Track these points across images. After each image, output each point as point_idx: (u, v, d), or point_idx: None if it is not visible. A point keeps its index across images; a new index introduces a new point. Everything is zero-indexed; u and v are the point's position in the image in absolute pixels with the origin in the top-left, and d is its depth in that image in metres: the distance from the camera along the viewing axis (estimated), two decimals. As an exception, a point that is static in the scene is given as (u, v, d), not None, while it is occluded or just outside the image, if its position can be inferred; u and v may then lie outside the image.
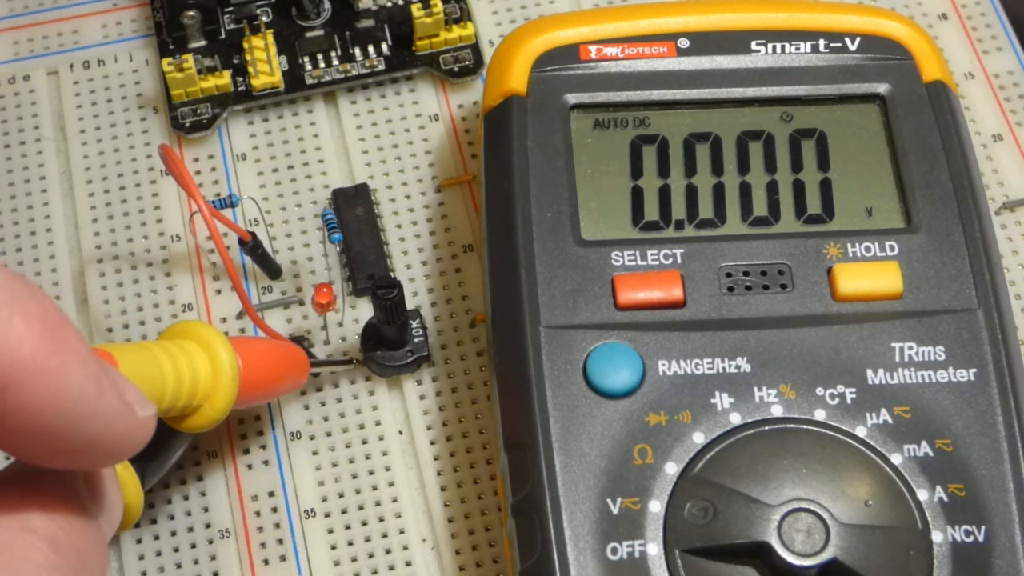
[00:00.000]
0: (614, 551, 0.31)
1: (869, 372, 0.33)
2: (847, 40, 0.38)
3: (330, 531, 0.37)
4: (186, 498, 0.37)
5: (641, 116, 0.38)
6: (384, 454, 0.38)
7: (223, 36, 0.44)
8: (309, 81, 0.43)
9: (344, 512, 0.37)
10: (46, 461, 0.24)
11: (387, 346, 0.38)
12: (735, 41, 0.38)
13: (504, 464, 0.33)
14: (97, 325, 0.40)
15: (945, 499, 0.32)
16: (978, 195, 0.36)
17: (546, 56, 0.38)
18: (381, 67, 0.43)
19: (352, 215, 0.41)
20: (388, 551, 0.36)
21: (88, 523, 0.26)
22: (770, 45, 0.38)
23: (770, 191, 0.37)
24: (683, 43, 0.38)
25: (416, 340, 0.38)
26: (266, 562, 0.36)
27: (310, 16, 0.44)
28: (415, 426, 0.38)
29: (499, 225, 0.36)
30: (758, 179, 0.37)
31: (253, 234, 0.38)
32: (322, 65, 0.43)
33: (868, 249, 0.35)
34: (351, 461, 0.38)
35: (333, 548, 0.37)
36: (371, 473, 0.37)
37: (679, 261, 0.35)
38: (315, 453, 0.38)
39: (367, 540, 0.37)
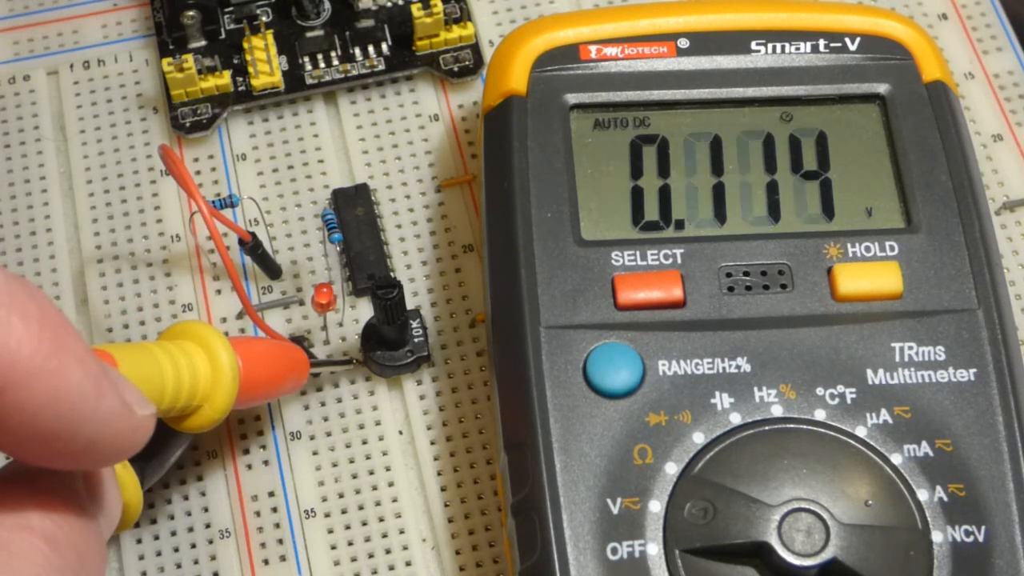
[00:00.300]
0: (614, 551, 0.31)
1: (869, 372, 0.33)
2: (847, 40, 0.38)
3: (330, 531, 0.37)
4: (186, 498, 0.37)
5: (641, 116, 0.38)
6: (384, 454, 0.38)
7: (223, 36, 0.44)
8: (309, 81, 0.43)
9: (344, 512, 0.37)
10: (46, 462, 0.24)
11: (387, 346, 0.38)
12: (735, 41, 0.38)
13: (504, 464, 0.33)
14: (97, 325, 0.40)
15: (945, 499, 0.32)
16: (978, 195, 0.36)
17: (546, 56, 0.38)
18: (381, 67, 0.43)
19: (352, 215, 0.41)
20: (388, 551, 0.36)
21: (87, 522, 0.26)
22: (770, 45, 0.38)
23: (770, 191, 0.37)
24: (683, 43, 0.38)
25: (416, 340, 0.38)
26: (266, 562, 0.36)
27: (310, 16, 0.44)
28: (415, 426, 0.38)
29: (499, 225, 0.36)
30: (758, 179, 0.37)
31: (253, 234, 0.38)
32: (322, 65, 0.43)
33: (868, 249, 0.35)
34: (351, 461, 0.38)
35: (333, 548, 0.37)
36: (371, 473, 0.37)
37: (679, 261, 0.35)
38: (315, 453, 0.38)
39: (367, 540, 0.37)
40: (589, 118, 0.38)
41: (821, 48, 0.38)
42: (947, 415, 0.33)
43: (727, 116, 0.38)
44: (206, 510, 0.37)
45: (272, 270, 0.40)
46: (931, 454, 0.32)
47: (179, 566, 0.36)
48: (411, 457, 0.38)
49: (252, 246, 0.38)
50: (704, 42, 0.38)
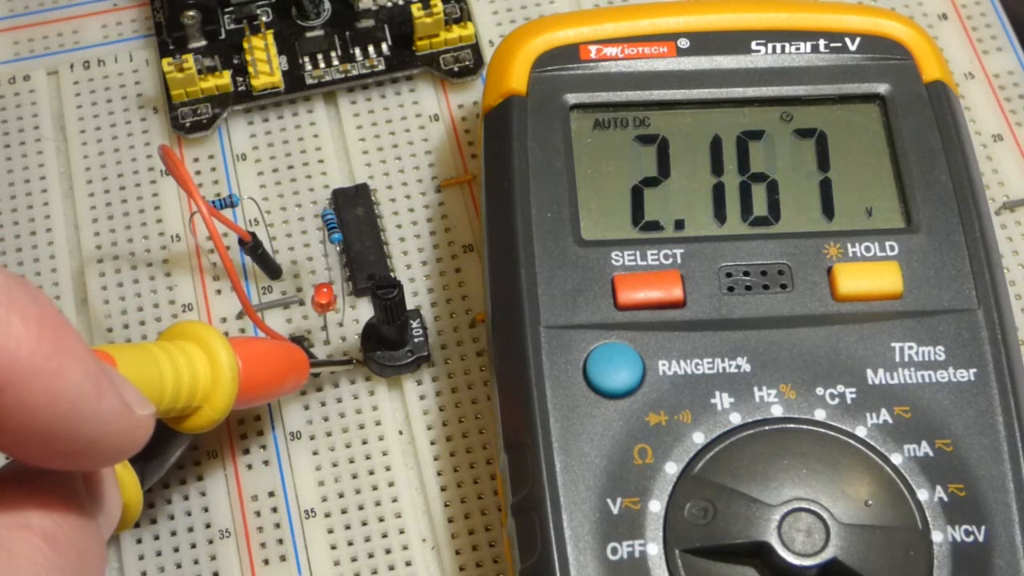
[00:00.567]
0: (614, 551, 0.31)
1: (869, 372, 0.33)
2: (847, 40, 0.38)
3: (330, 531, 0.37)
4: (186, 498, 0.37)
5: (641, 116, 0.38)
6: (384, 454, 0.38)
7: (223, 36, 0.44)
8: (309, 81, 0.43)
9: (344, 512, 0.37)
10: (46, 462, 0.24)
11: (387, 346, 0.38)
12: (735, 41, 0.38)
13: (504, 464, 0.33)
14: (97, 325, 0.40)
15: (945, 499, 0.32)
16: (978, 195, 0.36)
17: (546, 56, 0.38)
18: (381, 67, 0.43)
19: (352, 215, 0.41)
20: (388, 551, 0.36)
21: (86, 522, 0.26)
22: (770, 45, 0.38)
23: (770, 191, 0.37)
24: (683, 43, 0.38)
25: (416, 340, 0.38)
26: (266, 562, 0.36)
27: (310, 16, 0.44)
28: (415, 426, 0.38)
29: (499, 225, 0.36)
30: (758, 179, 0.37)
31: (253, 234, 0.38)
32: (322, 65, 0.43)
33: (868, 249, 0.35)
34: (351, 461, 0.38)
35: (333, 548, 0.37)
36: (371, 473, 0.37)
37: (679, 261, 0.35)
38: (315, 453, 0.38)
39: (367, 540, 0.37)
40: (589, 118, 0.38)
41: (821, 48, 0.38)
42: (947, 415, 0.33)
43: (727, 116, 0.38)
44: (206, 510, 0.37)
45: (272, 270, 0.40)
46: (931, 454, 0.32)
47: (179, 566, 0.36)
48: (411, 457, 0.38)
49: (252, 246, 0.38)
50: (704, 42, 0.38)
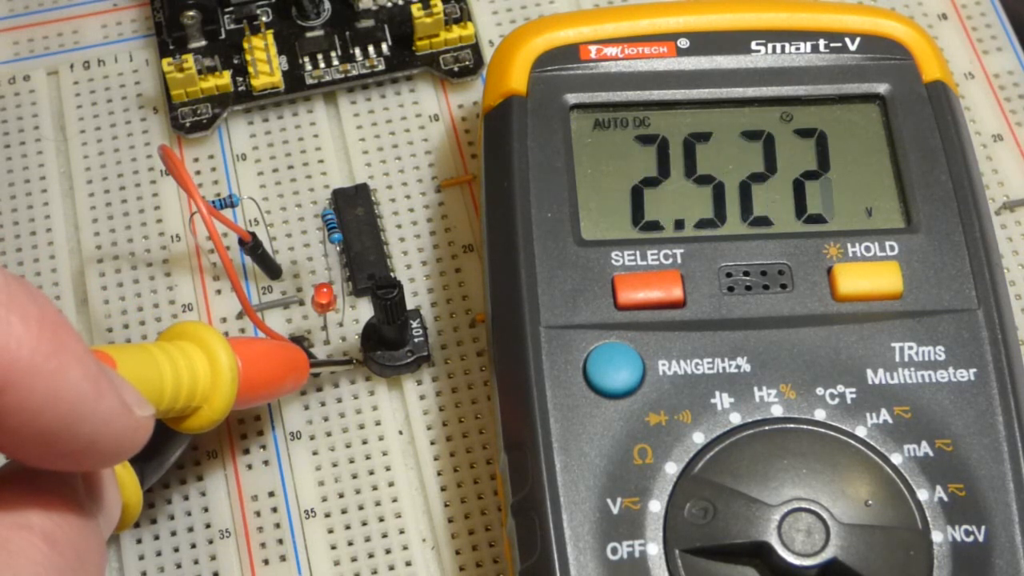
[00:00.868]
0: (614, 551, 0.31)
1: (869, 372, 0.33)
2: (847, 40, 0.38)
3: (330, 531, 0.37)
4: (186, 498, 0.37)
5: (641, 116, 0.38)
6: (384, 454, 0.38)
7: (223, 36, 0.44)
8: (309, 81, 0.43)
9: (344, 512, 0.37)
10: (46, 463, 0.24)
11: (387, 346, 0.38)
12: (735, 41, 0.38)
13: (504, 464, 0.33)
14: (97, 325, 0.40)
15: (945, 499, 0.32)
16: (978, 195, 0.36)
17: (546, 56, 0.38)
18: (381, 67, 0.43)
19: (352, 215, 0.41)
20: (388, 551, 0.36)
21: (86, 521, 0.26)
22: (770, 45, 0.38)
23: (770, 191, 0.37)
24: (683, 43, 0.38)
25: (416, 340, 0.38)
26: (266, 562, 0.36)
27: (310, 16, 0.44)
28: (415, 426, 0.38)
29: (499, 225, 0.36)
30: (758, 179, 0.37)
31: (253, 234, 0.38)
32: (322, 65, 0.43)
33: (868, 249, 0.35)
34: (351, 461, 0.38)
35: (333, 548, 0.37)
36: (371, 473, 0.37)
37: (679, 261, 0.35)
38: (315, 453, 0.38)
39: (367, 540, 0.37)
40: (589, 118, 0.38)
41: (821, 48, 0.38)
42: (947, 415, 0.33)
43: (727, 116, 0.38)
44: (206, 510, 0.37)
45: (272, 270, 0.40)
46: (931, 454, 0.32)
47: (179, 566, 0.36)
48: (411, 457, 0.38)
49: (252, 246, 0.38)
50: (704, 42, 0.38)
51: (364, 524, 0.37)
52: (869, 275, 0.35)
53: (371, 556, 0.36)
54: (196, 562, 0.36)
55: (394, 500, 0.37)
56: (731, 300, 0.34)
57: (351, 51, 0.43)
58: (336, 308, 0.38)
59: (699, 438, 0.32)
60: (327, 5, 0.44)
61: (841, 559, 0.30)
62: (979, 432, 0.33)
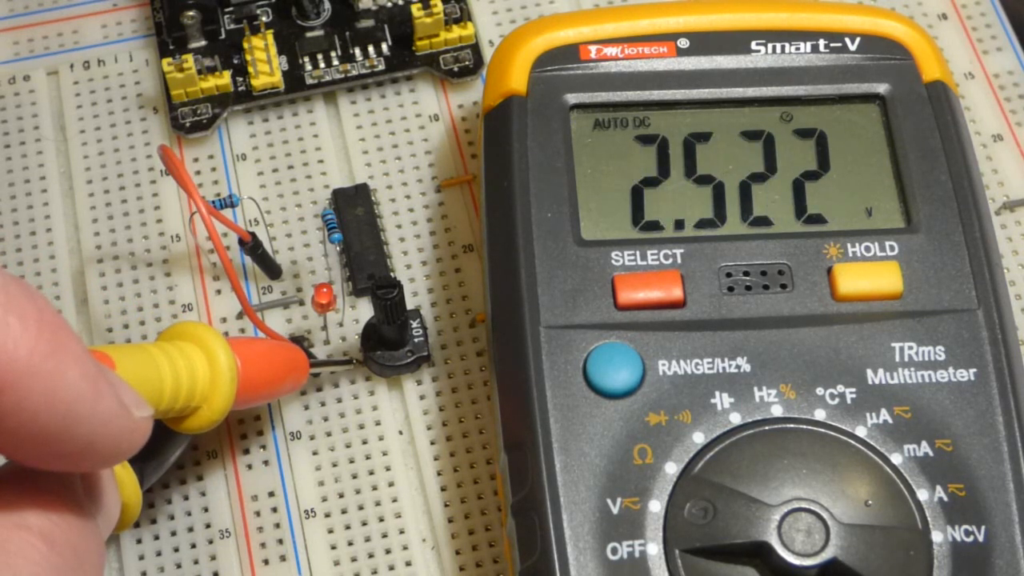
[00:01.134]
0: (614, 551, 0.31)
1: (869, 372, 0.33)
2: (847, 40, 0.38)
3: (330, 531, 0.37)
4: (186, 498, 0.37)
5: (641, 116, 0.38)
6: (384, 454, 0.38)
7: (223, 36, 0.44)
8: (309, 81, 0.43)
9: (344, 512, 0.37)
10: (44, 463, 0.24)
11: (387, 346, 0.38)
12: (735, 41, 0.38)
13: (504, 464, 0.33)
14: (97, 325, 0.40)
15: (945, 499, 0.32)
16: (978, 195, 0.36)
17: (546, 56, 0.38)
18: (381, 67, 0.43)
19: (352, 215, 0.41)
20: (388, 551, 0.36)
21: (85, 521, 0.26)
22: (770, 45, 0.38)
23: (770, 191, 0.37)
24: (683, 43, 0.38)
25: (416, 340, 0.38)
26: (266, 562, 0.36)
27: (310, 16, 0.44)
28: (415, 426, 0.38)
29: (499, 225, 0.36)
30: (758, 179, 0.37)
31: (253, 234, 0.38)
32: (322, 65, 0.43)
33: (868, 249, 0.35)
34: (351, 461, 0.38)
35: (333, 548, 0.37)
36: (371, 473, 0.37)
37: (679, 261, 0.35)
38: (315, 453, 0.38)
39: (367, 540, 0.37)
40: (589, 118, 0.38)
41: (821, 48, 0.38)
42: (947, 415, 0.33)
43: (727, 116, 0.38)
44: (206, 510, 0.37)
45: (272, 270, 0.40)
46: (931, 454, 0.32)
47: (179, 566, 0.36)
48: (411, 457, 0.38)
49: (252, 246, 0.38)
50: (704, 42, 0.38)
51: (364, 524, 0.37)
52: (869, 275, 0.35)
53: (371, 556, 0.36)
54: (196, 562, 0.36)
55: (394, 500, 0.37)
56: (731, 300, 0.34)
57: (351, 51, 0.43)
58: (336, 308, 0.38)
59: (699, 438, 0.32)
60: (327, 5, 0.44)
61: (841, 559, 0.30)
62: (979, 432, 0.33)
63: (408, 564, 0.36)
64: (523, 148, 0.36)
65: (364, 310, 0.40)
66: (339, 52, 0.43)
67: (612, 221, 0.36)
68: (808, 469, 0.32)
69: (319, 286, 0.37)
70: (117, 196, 0.42)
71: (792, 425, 0.33)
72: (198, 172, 0.42)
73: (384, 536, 0.37)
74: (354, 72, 0.43)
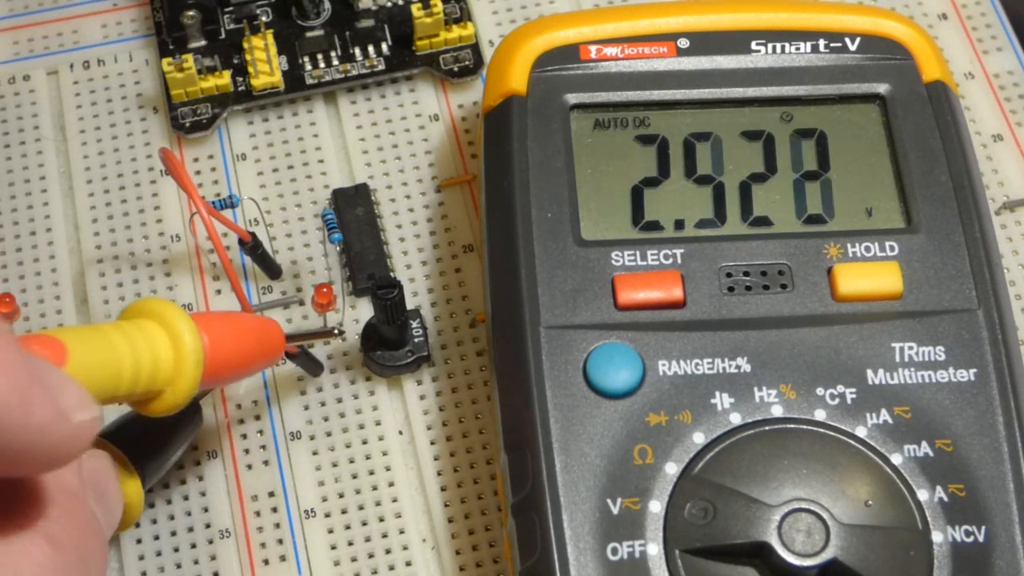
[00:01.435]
0: (614, 551, 0.31)
1: (869, 372, 0.33)
2: (847, 40, 0.38)
3: (330, 531, 0.37)
4: (186, 498, 0.37)
5: (641, 116, 0.38)
6: (384, 454, 0.38)
7: (223, 36, 0.44)
8: (309, 81, 0.43)
9: (344, 512, 0.37)
10: None
11: (387, 346, 0.38)
12: (735, 41, 0.38)
13: (504, 464, 0.33)
14: (97, 325, 0.40)
15: (945, 499, 0.32)
16: (978, 195, 0.36)
17: (546, 56, 0.38)
18: (381, 67, 0.43)
19: (352, 215, 0.41)
20: (388, 551, 0.36)
21: (88, 521, 0.26)
22: (770, 45, 0.38)
23: (770, 191, 0.37)
24: (683, 43, 0.38)
25: (416, 340, 0.38)
26: (266, 562, 0.36)
27: (310, 16, 0.44)
28: (415, 426, 0.38)
29: (499, 225, 0.36)
30: (758, 179, 0.37)
31: (253, 234, 0.38)
32: (322, 65, 0.43)
33: (868, 249, 0.35)
34: (351, 461, 0.38)
35: (333, 548, 0.37)
36: (371, 473, 0.37)
37: (679, 261, 0.35)
38: (315, 453, 0.38)
39: (367, 540, 0.37)
40: (589, 118, 0.38)
41: (821, 48, 0.38)
42: (947, 415, 0.33)
43: (727, 116, 0.38)
44: (206, 510, 0.37)
45: (272, 270, 0.40)
46: (931, 454, 0.32)
47: (179, 566, 0.36)
48: (411, 457, 0.38)
49: (252, 246, 0.38)
50: (704, 42, 0.38)
51: (364, 524, 0.37)
52: (869, 275, 0.35)
53: (371, 556, 0.36)
54: (196, 562, 0.36)
55: (394, 500, 0.37)
56: (731, 300, 0.34)
57: (351, 51, 0.43)
58: (336, 308, 0.38)
59: (699, 438, 0.32)
60: (327, 5, 0.44)
61: (841, 559, 0.30)
62: (979, 432, 0.33)
63: (408, 564, 0.36)
64: (523, 148, 0.36)
65: (364, 310, 0.40)
66: (339, 52, 0.43)
67: (612, 221, 0.36)
68: (808, 469, 0.32)
69: (319, 286, 0.37)
70: (117, 196, 0.42)
71: (792, 425, 0.33)
72: (198, 172, 0.42)
73: (384, 536, 0.37)
74: (354, 72, 0.43)
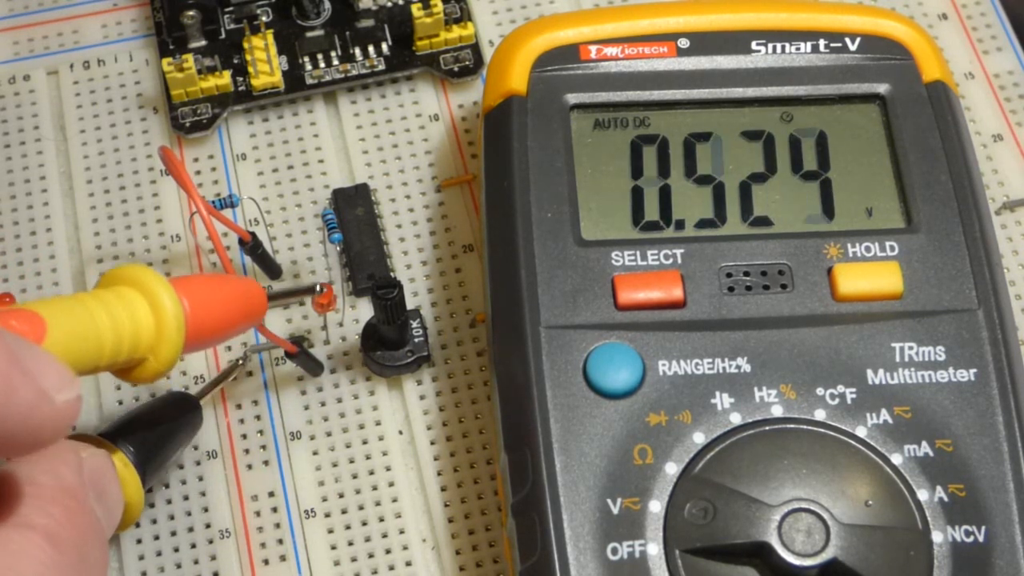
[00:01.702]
0: (614, 551, 0.31)
1: (869, 372, 0.33)
2: (847, 40, 0.38)
3: (330, 531, 0.37)
4: (186, 498, 0.37)
5: (641, 116, 0.38)
6: (384, 454, 0.38)
7: (223, 36, 0.44)
8: (309, 81, 0.43)
9: (344, 512, 0.37)
10: None
11: (387, 346, 0.38)
12: (735, 41, 0.38)
13: (504, 464, 0.33)
14: (97, 325, 0.40)
15: (945, 499, 0.32)
16: (978, 195, 0.36)
17: (546, 56, 0.38)
18: (381, 67, 0.43)
19: (352, 215, 0.41)
20: (388, 551, 0.36)
21: (88, 520, 0.26)
22: (770, 45, 0.38)
23: (770, 191, 0.37)
24: (683, 43, 0.38)
25: (416, 340, 0.38)
26: (266, 562, 0.36)
27: (310, 16, 0.44)
28: (415, 426, 0.38)
29: (499, 225, 0.36)
30: (758, 179, 0.37)
31: (253, 234, 0.38)
32: (322, 65, 0.43)
33: (868, 249, 0.35)
34: (351, 461, 0.38)
35: (333, 548, 0.37)
36: (371, 473, 0.37)
37: (679, 261, 0.35)
38: (315, 453, 0.38)
39: (367, 540, 0.37)
40: (589, 118, 0.38)
41: (821, 48, 0.38)
42: (947, 415, 0.33)
43: (727, 116, 0.38)
44: (206, 510, 0.37)
45: (272, 270, 0.40)
46: (931, 454, 0.32)
47: (179, 566, 0.36)
48: (411, 457, 0.38)
49: (252, 246, 0.38)
50: (704, 42, 0.38)
51: (364, 524, 0.37)
52: (869, 275, 0.35)
53: (371, 556, 0.36)
54: (196, 562, 0.36)
55: (394, 500, 0.37)
56: (731, 300, 0.34)
57: (351, 51, 0.43)
58: (336, 308, 0.38)
59: (699, 438, 0.32)
60: (327, 5, 0.44)
61: (841, 559, 0.30)
62: (979, 432, 0.33)
63: (408, 564, 0.36)
64: (523, 148, 0.36)
65: (364, 310, 0.40)
66: (339, 52, 0.43)
67: (612, 221, 0.36)
68: (808, 469, 0.32)
69: (319, 286, 0.37)
70: (117, 196, 0.42)
71: (792, 425, 0.33)
72: (198, 172, 0.42)
73: (384, 536, 0.37)
74: (354, 72, 0.43)
